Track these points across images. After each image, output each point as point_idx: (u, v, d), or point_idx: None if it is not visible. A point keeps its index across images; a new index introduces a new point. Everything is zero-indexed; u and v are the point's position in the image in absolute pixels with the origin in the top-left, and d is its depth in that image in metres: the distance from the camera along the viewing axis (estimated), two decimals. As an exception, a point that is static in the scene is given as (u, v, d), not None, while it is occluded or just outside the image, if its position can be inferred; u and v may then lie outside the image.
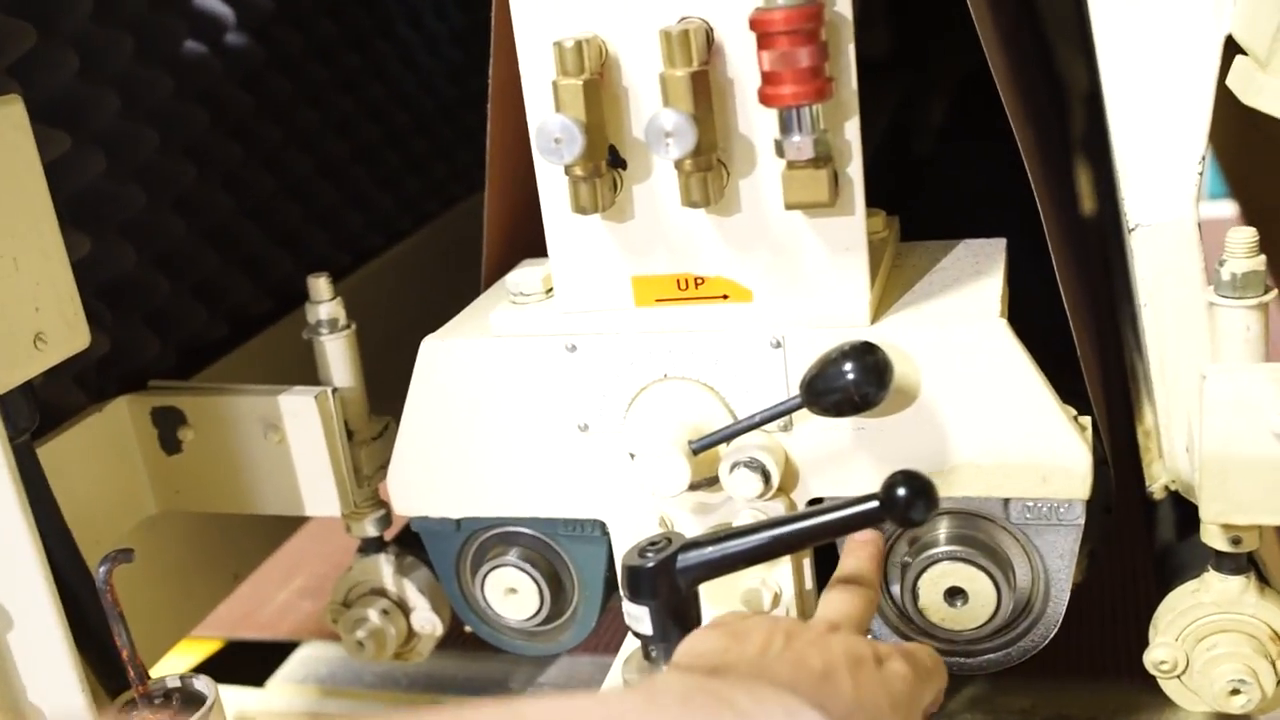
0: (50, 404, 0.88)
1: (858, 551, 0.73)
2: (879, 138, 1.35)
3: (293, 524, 1.12)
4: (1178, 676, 0.81)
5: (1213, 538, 0.78)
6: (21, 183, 0.75)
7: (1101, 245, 1.46)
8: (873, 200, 0.87)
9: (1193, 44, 0.79)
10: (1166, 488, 0.84)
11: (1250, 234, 0.72)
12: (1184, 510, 0.84)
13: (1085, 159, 1.73)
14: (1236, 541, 0.77)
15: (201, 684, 0.81)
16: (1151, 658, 0.81)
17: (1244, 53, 0.75)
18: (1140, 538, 0.93)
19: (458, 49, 1.45)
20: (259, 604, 1.30)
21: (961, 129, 1.52)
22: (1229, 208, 2.03)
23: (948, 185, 1.35)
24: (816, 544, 0.74)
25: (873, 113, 1.38)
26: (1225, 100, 0.74)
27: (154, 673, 0.84)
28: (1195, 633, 0.80)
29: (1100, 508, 0.86)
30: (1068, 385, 0.80)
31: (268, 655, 1.17)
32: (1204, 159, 0.78)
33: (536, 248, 0.80)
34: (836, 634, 0.64)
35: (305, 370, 0.93)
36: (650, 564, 0.70)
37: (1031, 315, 0.83)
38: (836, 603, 0.69)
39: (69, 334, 0.78)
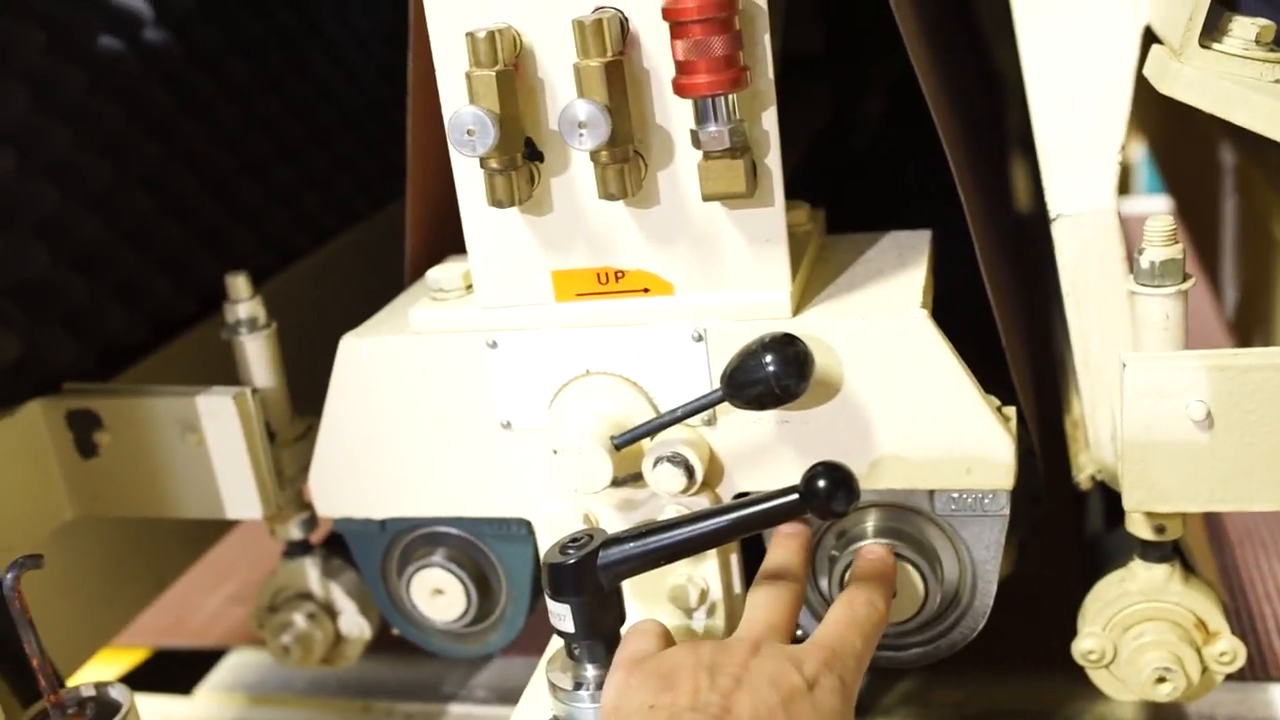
0: (-41, 409, 0.86)
1: (784, 544, 0.73)
2: (816, 132, 1.35)
3: (221, 528, 1.09)
4: (1106, 666, 0.81)
5: (1137, 526, 0.78)
6: (-80, 180, 0.72)
7: (1036, 239, 1.46)
8: (810, 193, 0.87)
9: (1111, 34, 0.79)
10: (1093, 478, 0.84)
11: (1168, 222, 0.72)
12: (1111, 500, 0.84)
13: (1022, 155, 1.74)
14: (1160, 530, 0.78)
15: (117, 692, 0.78)
16: (1080, 648, 0.81)
17: (1161, 43, 0.76)
18: (1070, 527, 0.93)
19: (388, 46, 1.43)
20: (189, 611, 1.27)
21: (898, 122, 1.52)
22: (1165, 202, 2.05)
23: (885, 178, 1.35)
24: (740, 537, 0.73)
25: (809, 107, 1.38)
26: (1158, 96, 0.74)
27: (74, 681, 0.82)
28: (1122, 621, 0.80)
29: (1028, 498, 0.86)
30: (996, 375, 0.80)
31: (196, 663, 1.15)
32: (1123, 148, 0.78)
33: (460, 244, 0.79)
34: (762, 658, 0.63)
35: (229, 373, 0.91)
36: (571, 560, 0.69)
37: (963, 305, 0.83)
38: (762, 608, 0.69)
39: (-27, 336, 0.76)
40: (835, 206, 0.89)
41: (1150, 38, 0.78)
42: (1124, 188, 1.84)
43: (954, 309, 0.82)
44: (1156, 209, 2.12)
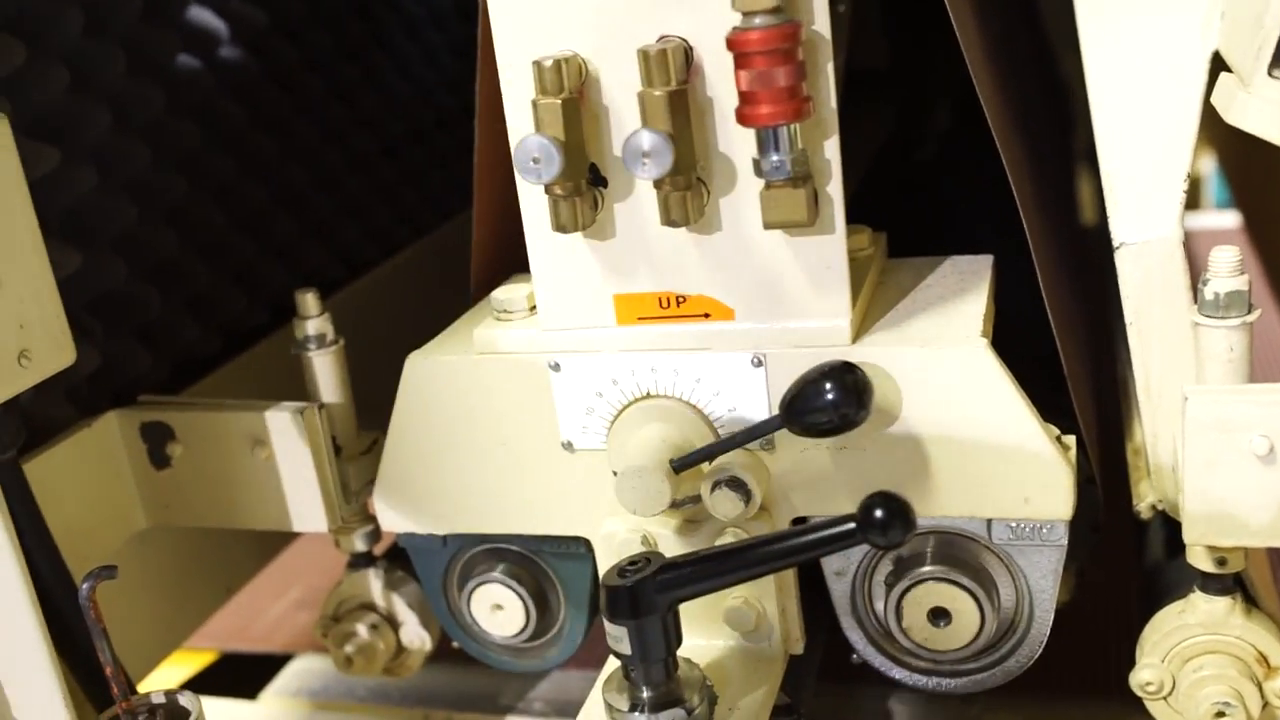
0: (41, 418, 0.88)
1: None
2: (880, 146, 1.35)
3: (287, 536, 1.12)
4: (1164, 698, 0.80)
5: (1198, 558, 0.77)
6: (6, 201, 0.75)
7: (1100, 255, 1.45)
8: (872, 209, 0.87)
9: (1179, 60, 0.79)
10: (1154, 506, 0.84)
11: (1234, 253, 0.72)
12: (1172, 529, 0.84)
13: (1088, 167, 1.72)
14: (1222, 562, 0.77)
15: (185, 700, 0.80)
16: (1138, 679, 0.80)
17: (1230, 69, 0.75)
18: (1130, 556, 0.92)
19: (457, 59, 1.45)
20: (254, 616, 1.30)
21: (962, 136, 1.52)
22: (1234, 217, 2.02)
23: (948, 192, 1.35)
24: (795, 564, 0.74)
25: (873, 121, 1.38)
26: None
27: (146, 684, 0.84)
28: (1181, 654, 0.79)
29: (1087, 526, 0.85)
30: (1056, 400, 0.80)
31: (261, 668, 1.18)
32: (1189, 176, 0.77)
33: (523, 262, 0.80)
34: None
35: (299, 384, 0.93)
36: (630, 583, 0.70)
37: (1024, 326, 0.83)
38: None
39: (54, 351, 0.79)
40: (896, 223, 0.89)
41: (1218, 63, 0.78)
42: (1193, 202, 1.82)
43: (1015, 330, 0.82)
44: (1225, 224, 2.09)
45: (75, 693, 0.81)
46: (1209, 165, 2.34)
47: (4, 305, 0.75)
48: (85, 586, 0.75)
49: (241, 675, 1.17)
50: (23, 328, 0.76)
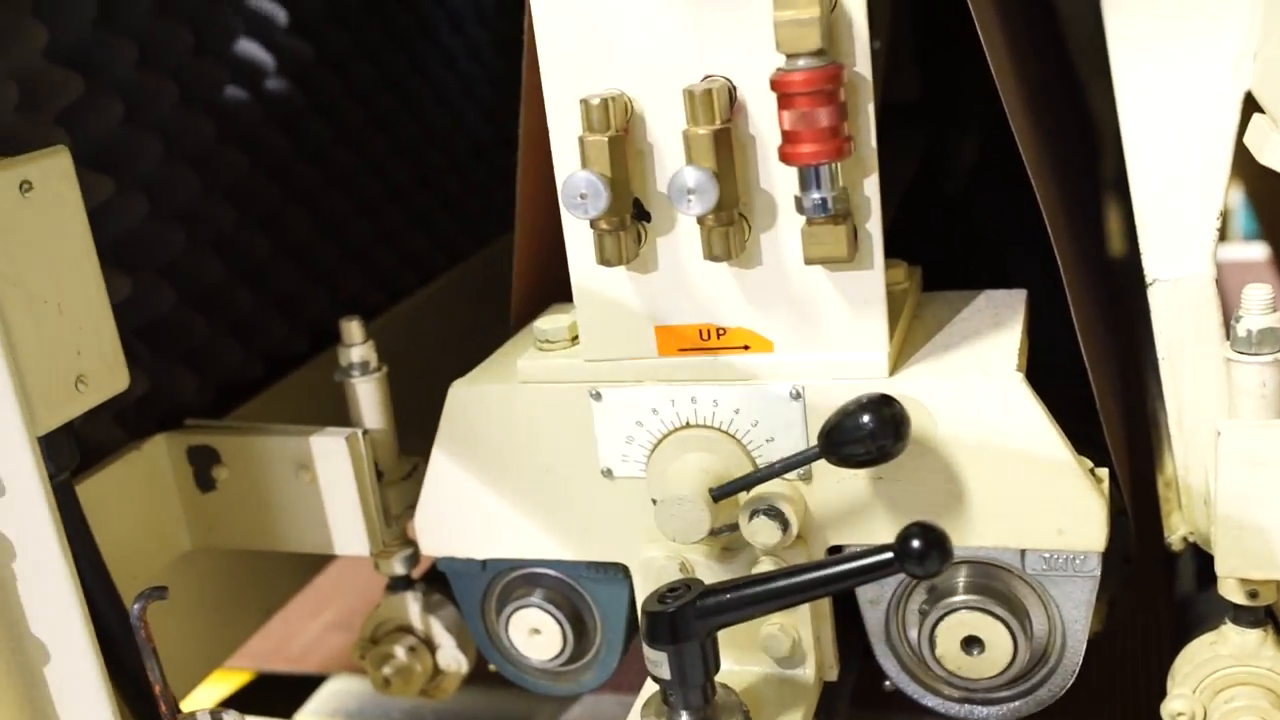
0: (90, 441, 0.90)
1: None
2: (909, 179, 1.36)
3: (323, 559, 1.14)
4: (1195, 728, 0.81)
5: (1230, 591, 0.78)
6: (67, 231, 0.77)
7: (1130, 287, 1.46)
8: (903, 240, 0.89)
9: (1212, 100, 0.80)
10: (1185, 539, 0.85)
11: (1267, 290, 0.73)
12: (1203, 561, 0.85)
13: (1116, 198, 1.73)
14: (1254, 595, 0.78)
15: (230, 718, 0.82)
16: (1169, 709, 0.81)
17: (1262, 110, 0.77)
18: (1161, 587, 0.93)
19: (493, 89, 1.48)
20: (289, 637, 1.32)
21: (992, 168, 1.53)
22: (1262, 249, 2.03)
23: (979, 224, 1.36)
24: (832, 593, 0.75)
25: (903, 153, 1.40)
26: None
27: (188, 703, 0.86)
28: (1213, 685, 0.80)
29: (1119, 558, 0.86)
30: (1090, 432, 0.81)
31: (297, 688, 1.19)
32: (1222, 215, 0.79)
33: (565, 290, 0.82)
34: None
35: (337, 408, 0.95)
36: (670, 609, 0.71)
37: (1058, 358, 0.84)
38: None
39: (109, 376, 0.81)
40: (927, 254, 0.91)
41: (1251, 103, 0.79)
42: (1221, 234, 1.83)
43: (1048, 362, 0.83)
44: (1254, 256, 2.10)
45: (122, 710, 0.83)
46: (1236, 197, 2.35)
47: (63, 332, 0.77)
48: (137, 606, 0.77)
49: (277, 695, 1.18)
50: (80, 353, 0.78)
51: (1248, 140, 0.76)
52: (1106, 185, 1.79)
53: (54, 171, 0.77)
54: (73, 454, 0.80)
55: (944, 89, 1.55)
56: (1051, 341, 0.86)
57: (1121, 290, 1.48)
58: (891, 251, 0.85)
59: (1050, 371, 0.82)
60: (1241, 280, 0.76)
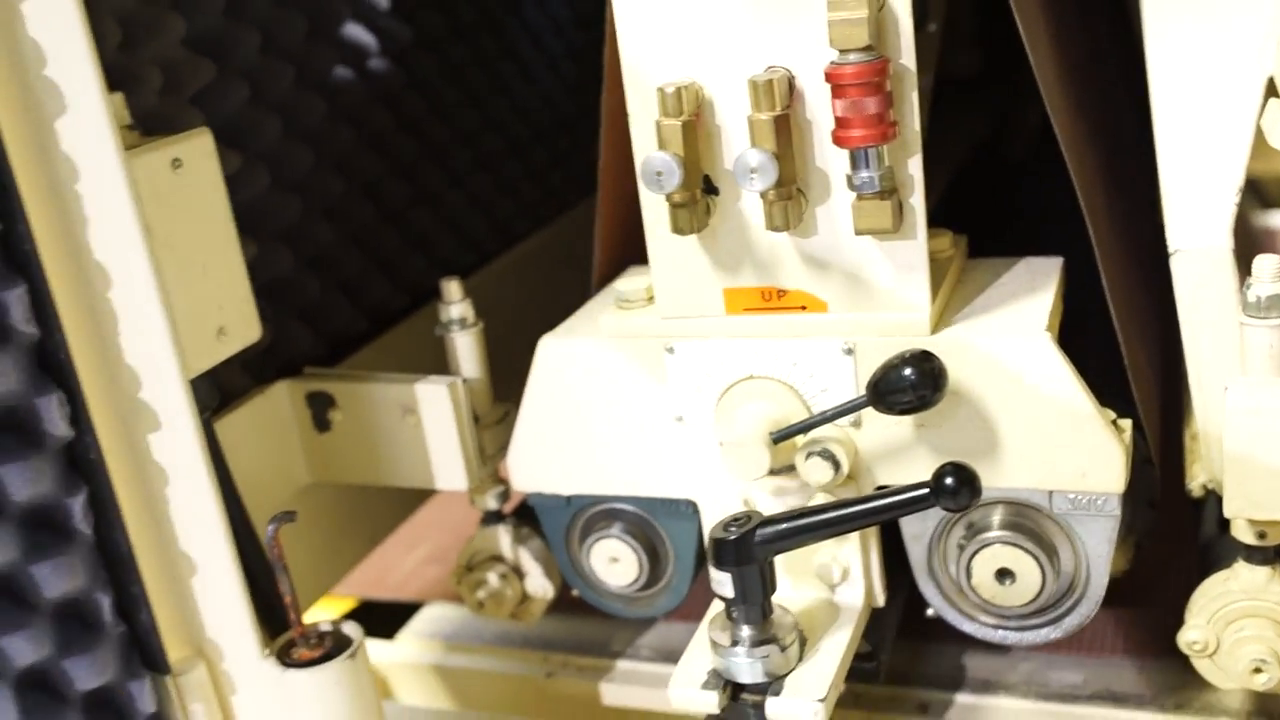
0: (221, 387, 1.02)
1: None
2: (970, 150, 1.43)
3: (422, 496, 1.24)
4: (1209, 656, 0.89)
5: (1240, 531, 0.86)
6: (210, 201, 0.88)
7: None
8: (962, 209, 0.96)
9: (1237, 78, 0.86)
10: (1204, 486, 0.93)
11: (1276, 261, 0.80)
12: (1222, 507, 0.92)
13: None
14: (1262, 535, 0.86)
15: (349, 629, 0.94)
16: (1185, 638, 0.89)
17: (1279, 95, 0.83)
18: (1186, 531, 1.01)
19: (575, 65, 1.57)
20: (388, 569, 1.44)
21: (1052, 139, 1.59)
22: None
23: (1035, 194, 1.43)
24: (876, 523, 0.85)
25: (964, 126, 1.47)
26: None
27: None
28: (1225, 616, 0.88)
29: (1145, 502, 0.94)
30: (1123, 388, 0.88)
31: (397, 614, 1.31)
32: (1241, 190, 0.86)
33: (641, 254, 0.91)
34: None
35: (432, 359, 1.05)
36: (733, 536, 0.81)
37: (1098, 319, 0.91)
38: None
39: (245, 328, 0.92)
40: (986, 222, 0.98)
41: (1273, 89, 0.86)
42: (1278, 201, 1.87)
43: (1089, 323, 0.91)
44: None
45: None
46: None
47: (207, 290, 0.88)
48: (271, 527, 0.89)
49: (378, 620, 1.30)
50: (221, 308, 0.90)
51: (1264, 124, 0.82)
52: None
53: (199, 150, 0.88)
54: (213, 396, 0.92)
55: (1006, 61, 1.61)
56: (1096, 304, 0.94)
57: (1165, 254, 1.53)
58: (955, 216, 0.94)
59: (1090, 331, 0.90)
60: (1257, 256, 0.83)
